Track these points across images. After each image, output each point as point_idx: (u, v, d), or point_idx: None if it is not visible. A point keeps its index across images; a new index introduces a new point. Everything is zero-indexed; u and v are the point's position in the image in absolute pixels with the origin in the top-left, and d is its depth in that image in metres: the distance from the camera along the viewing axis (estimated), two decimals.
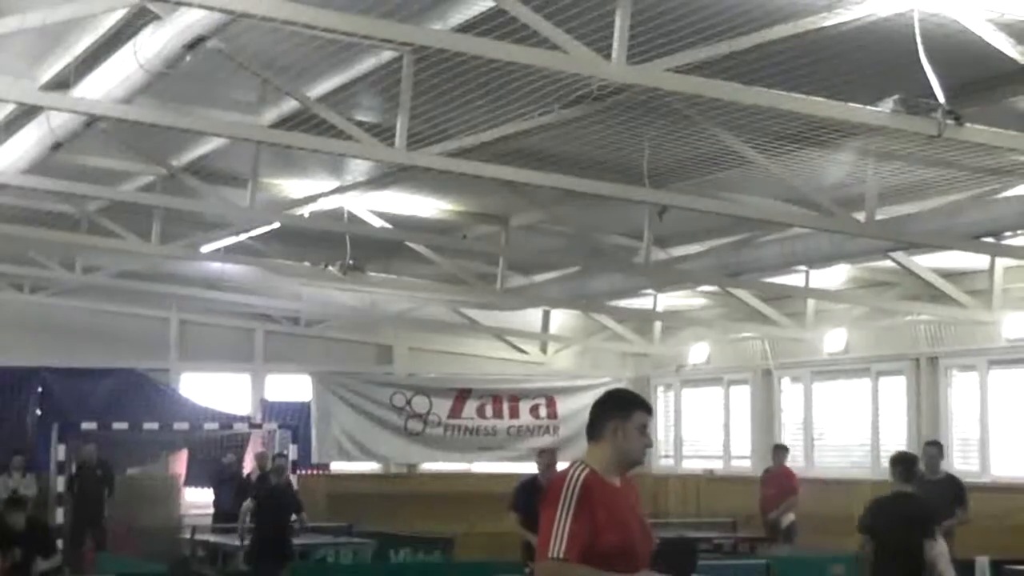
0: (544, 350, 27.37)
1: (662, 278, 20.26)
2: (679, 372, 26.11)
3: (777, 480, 20.92)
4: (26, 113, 13.76)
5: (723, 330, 24.33)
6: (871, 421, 21.84)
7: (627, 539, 6.33)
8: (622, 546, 6.30)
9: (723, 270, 18.80)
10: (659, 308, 23.97)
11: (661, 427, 26.46)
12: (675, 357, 26.20)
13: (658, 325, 25.94)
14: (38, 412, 23.71)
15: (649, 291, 22.33)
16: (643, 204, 15.81)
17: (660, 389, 26.74)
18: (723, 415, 25.14)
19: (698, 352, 25.56)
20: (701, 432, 25.97)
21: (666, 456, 26.29)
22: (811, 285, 20.37)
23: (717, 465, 25.06)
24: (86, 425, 22.58)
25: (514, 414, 26.16)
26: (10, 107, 14.02)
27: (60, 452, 22.28)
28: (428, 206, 18.60)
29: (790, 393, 23.75)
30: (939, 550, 12.33)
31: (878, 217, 14.69)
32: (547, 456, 16.24)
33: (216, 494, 22.87)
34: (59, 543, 21.10)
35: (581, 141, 14.33)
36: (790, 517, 20.59)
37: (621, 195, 14.50)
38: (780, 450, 21.34)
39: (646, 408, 6.61)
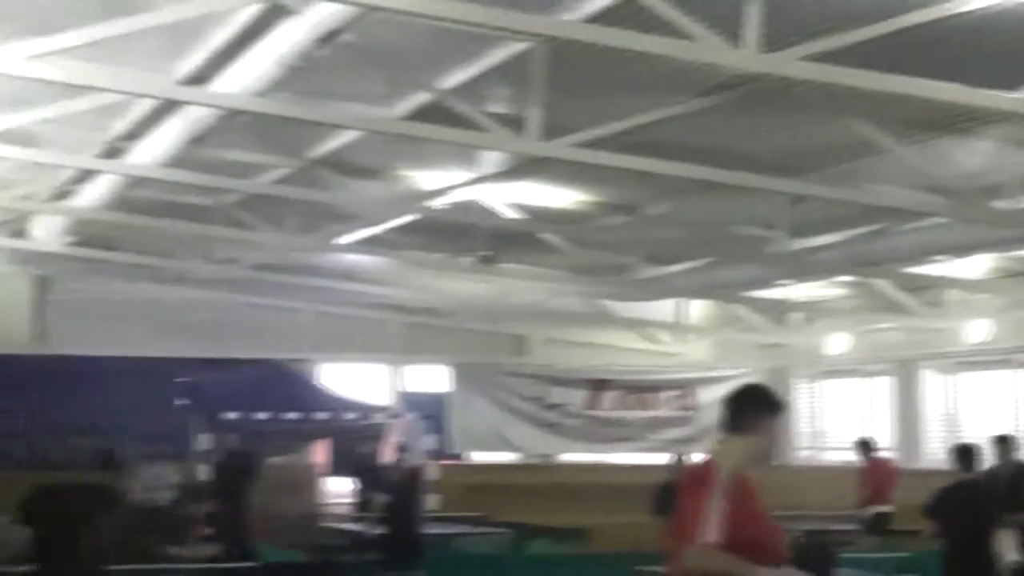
0: (679, 341, 27.22)
1: (797, 268, 20.04)
2: (817, 363, 25.83)
3: (869, 474, 20.58)
4: (165, 108, 13.99)
5: (861, 320, 24.02)
6: (1014, 412, 21.42)
7: (768, 534, 6.40)
8: (764, 540, 6.35)
9: (859, 260, 18.55)
10: (795, 298, 23.73)
11: (799, 418, 26.24)
12: (812, 348, 25.92)
13: (795, 315, 25.68)
14: (181, 402, 24.08)
15: (785, 281, 22.12)
16: (777, 194, 15.65)
17: (797, 380, 26.47)
18: (862, 406, 24.82)
19: (836, 343, 25.26)
20: (839, 424, 25.66)
21: (804, 448, 26.03)
22: (952, 274, 20.02)
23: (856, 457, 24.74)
24: (227, 415, 22.93)
25: (650, 405, 26.09)
26: (149, 102, 14.28)
27: (203, 442, 22.63)
28: (561, 197, 18.58)
29: (932, 384, 23.38)
30: (1007, 540, 12.17)
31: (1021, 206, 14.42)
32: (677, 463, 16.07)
33: (354, 484, 23.07)
34: None
35: (714, 131, 14.21)
36: (881, 508, 20.21)
37: (755, 185, 14.38)
38: (864, 446, 20.99)
39: (785, 408, 6.84)
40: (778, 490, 23.12)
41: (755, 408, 6.60)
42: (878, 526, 20.07)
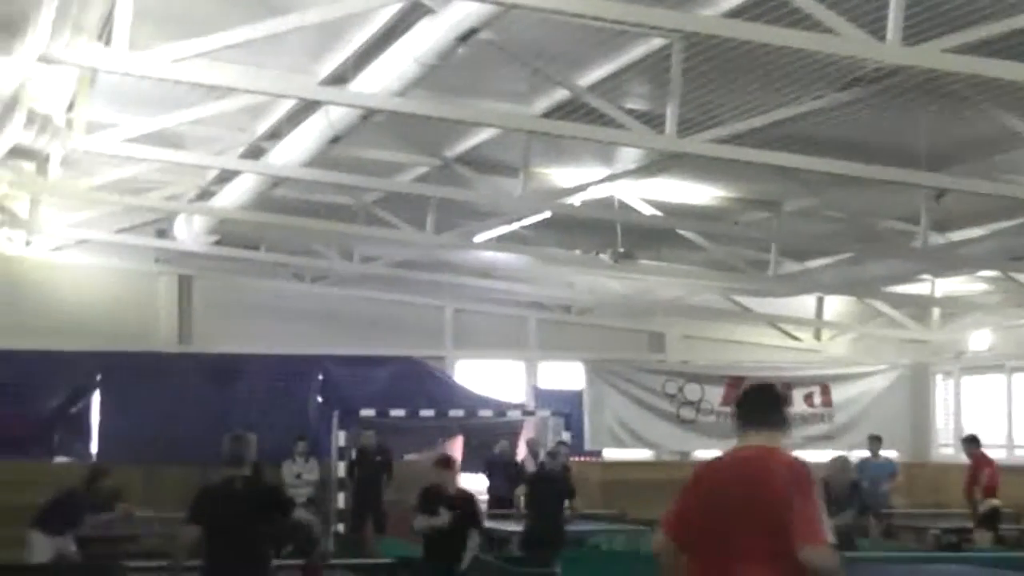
0: (818, 337, 26.94)
1: (941, 263, 19.71)
2: (959, 359, 25.41)
3: (979, 469, 20.17)
4: (306, 108, 14.16)
5: (1006, 316, 23.58)
6: None
7: None
8: None
9: (1005, 254, 18.19)
10: (938, 294, 23.36)
11: (940, 415, 25.84)
12: (954, 344, 25.50)
13: (936, 311, 25.29)
14: (319, 399, 24.32)
15: (927, 276, 21.78)
16: (920, 188, 15.42)
17: (939, 377, 26.07)
18: (1006, 403, 24.36)
19: (979, 339, 24.82)
20: (982, 421, 25.20)
21: (946, 445, 25.63)
22: None
23: (1000, 455, 24.30)
24: (365, 412, 23.10)
25: (788, 402, 25.82)
26: (291, 102, 14.46)
27: (341, 438, 22.82)
28: (699, 192, 18.49)
29: None
30: None
31: None
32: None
33: (489, 480, 23.14)
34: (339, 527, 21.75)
35: (855, 124, 14.05)
36: (990, 503, 19.79)
37: (897, 179, 14.17)
38: (971, 441, 20.59)
39: None
40: (920, 488, 22.87)
41: (782, 405, 6.69)
42: (991, 521, 19.71)
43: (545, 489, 18.13)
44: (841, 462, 15.24)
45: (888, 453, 23.32)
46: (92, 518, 16.48)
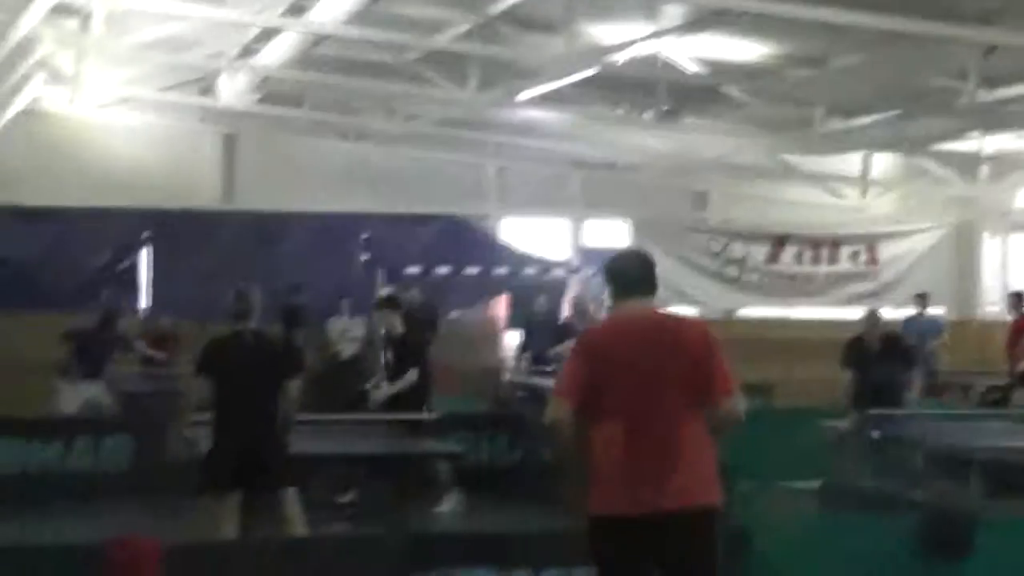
0: (864, 195, 26.78)
1: (989, 120, 19.52)
2: (1007, 217, 25.25)
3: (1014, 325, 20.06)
4: None
5: None
6: None
7: None
8: None
9: None
10: (985, 151, 23.14)
11: (987, 273, 25.75)
12: (1002, 202, 25.33)
13: (984, 169, 25.08)
14: (364, 257, 24.44)
15: (974, 133, 21.57)
16: (968, 44, 15.21)
17: (986, 235, 25.94)
18: None
19: None
20: None
21: (992, 303, 25.57)
22: None
23: None
24: (410, 270, 23.24)
25: (833, 260, 25.80)
26: None
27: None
28: (744, 50, 18.29)
29: None
30: None
31: None
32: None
33: (528, 338, 23.17)
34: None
35: None
36: None
37: (945, 35, 13.99)
38: (1017, 298, 20.42)
39: None
40: (965, 346, 22.87)
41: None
42: None
43: None
44: (873, 317, 15.12)
45: (935, 311, 23.31)
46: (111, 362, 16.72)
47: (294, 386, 9.66)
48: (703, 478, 6.43)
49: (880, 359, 14.42)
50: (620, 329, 6.58)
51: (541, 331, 22.97)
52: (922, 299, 22.50)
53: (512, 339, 24.09)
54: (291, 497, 9.58)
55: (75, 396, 16.22)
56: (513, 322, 24.34)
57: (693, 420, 6.40)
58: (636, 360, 6.40)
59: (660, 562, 6.35)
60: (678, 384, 6.38)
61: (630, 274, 6.67)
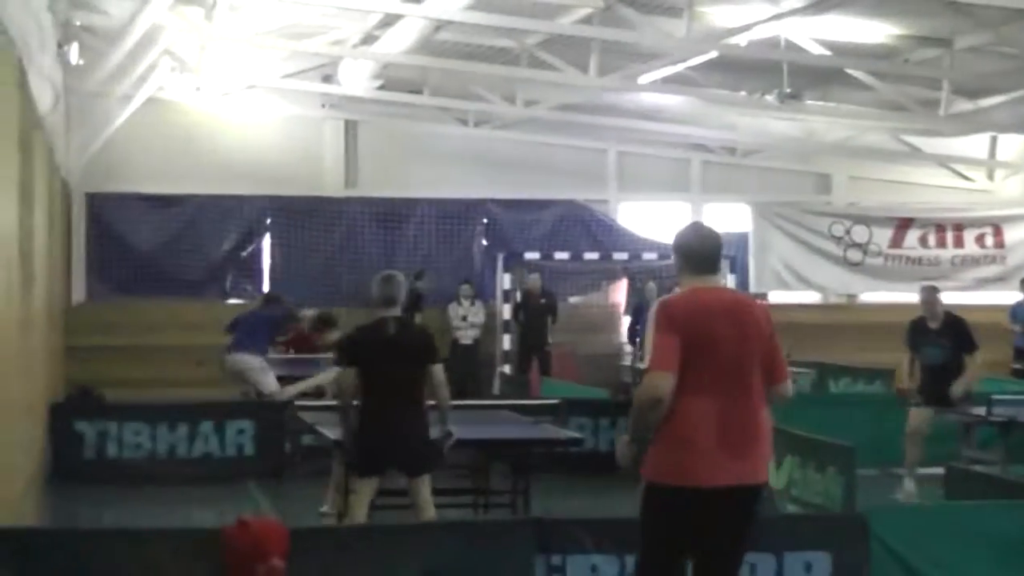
0: (991, 177, 26.36)
1: None
2: None
3: None
4: None
5: None
6: None
7: None
8: None
9: None
10: None
11: None
12: None
13: None
14: (484, 242, 24.53)
15: None
16: None
17: None
18: None
19: None
20: None
21: None
22: None
23: None
24: (529, 255, 23.29)
25: (959, 243, 25.39)
26: None
27: (506, 281, 23.05)
28: (868, 30, 18.06)
29: None
30: None
31: None
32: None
33: (634, 323, 23.05)
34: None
35: None
36: None
37: None
38: None
39: None
40: None
41: None
42: None
43: None
44: (927, 294, 14.67)
45: None
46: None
47: (438, 370, 9.75)
48: (767, 455, 6.74)
49: (938, 338, 13.80)
50: (707, 307, 6.63)
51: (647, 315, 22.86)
52: None
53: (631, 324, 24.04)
54: (427, 483, 9.67)
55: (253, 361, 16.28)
56: (631, 307, 24.28)
57: (761, 399, 6.65)
58: (726, 338, 6.55)
59: (713, 532, 6.56)
60: (758, 363, 6.61)
61: (707, 252, 6.81)
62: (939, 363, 13.78)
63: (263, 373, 16.01)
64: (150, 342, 21.86)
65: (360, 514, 9.60)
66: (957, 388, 13.60)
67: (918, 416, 13.73)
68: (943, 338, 13.84)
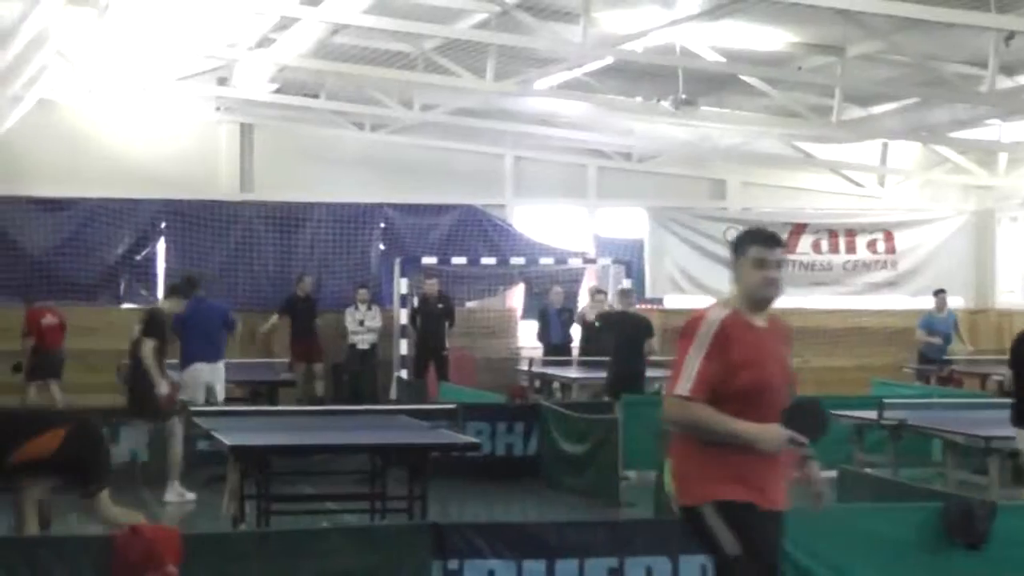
0: (882, 183, 26.73)
1: (1008, 107, 19.40)
2: None
3: None
4: None
5: None
6: None
7: (760, 380, 6.24)
8: (754, 386, 6.22)
9: None
10: (1004, 139, 23.05)
11: (1004, 261, 25.66)
12: (1020, 190, 25.24)
13: (1003, 157, 25.00)
14: (381, 247, 24.47)
15: (993, 121, 21.48)
16: (988, 30, 15.14)
17: (1004, 222, 25.86)
18: None
19: None
20: None
21: (1010, 292, 25.50)
22: None
23: None
24: (427, 259, 23.28)
25: (851, 249, 25.75)
26: None
27: (403, 285, 23.03)
28: (762, 38, 18.24)
29: None
30: None
31: None
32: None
33: (542, 327, 23.16)
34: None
35: None
36: None
37: (965, 21, 13.93)
38: None
39: (762, 241, 6.45)
40: (983, 334, 22.84)
41: (732, 251, 6.50)
42: None
43: (627, 331, 17.68)
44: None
45: (952, 300, 23.36)
46: None
47: None
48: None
49: None
50: (748, 322, 6.37)
51: (553, 320, 22.98)
52: (941, 295, 22.65)
53: (528, 329, 24.12)
54: None
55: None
56: (529, 312, 24.35)
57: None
58: (768, 357, 6.34)
59: None
60: (786, 383, 6.42)
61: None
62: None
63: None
64: None
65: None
66: None
67: None
68: None
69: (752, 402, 6.21)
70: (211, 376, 16.55)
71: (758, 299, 6.37)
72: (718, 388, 6.19)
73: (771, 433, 6.18)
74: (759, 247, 6.40)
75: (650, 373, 19.22)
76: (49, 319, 20.46)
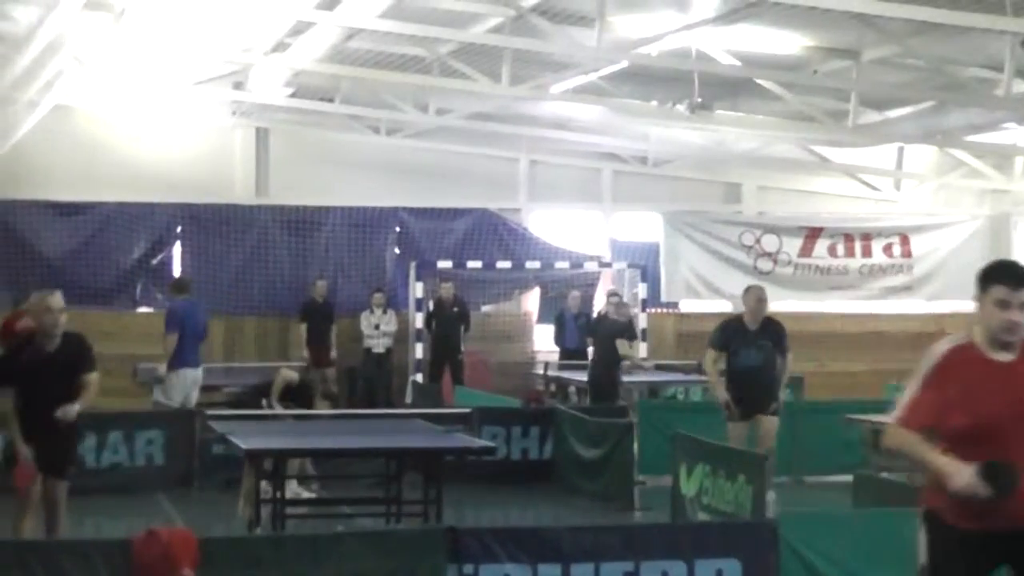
0: (897, 188, 26.69)
1: None
2: None
3: None
4: None
5: None
6: None
7: (981, 421, 5.97)
8: (973, 428, 5.98)
9: None
10: (1021, 143, 23.00)
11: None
12: None
13: (1019, 161, 24.95)
14: (396, 251, 24.47)
15: (1010, 125, 21.43)
16: (1004, 34, 15.11)
17: (1021, 226, 25.79)
18: None
19: None
20: None
21: None
22: None
23: None
24: (442, 264, 23.28)
25: (867, 253, 25.68)
26: None
27: (418, 290, 23.03)
28: (777, 42, 18.23)
29: None
30: None
31: None
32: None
33: (558, 331, 23.16)
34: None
35: None
36: None
37: (981, 25, 13.89)
38: None
39: (1007, 281, 6.02)
40: None
41: (977, 285, 6.13)
42: None
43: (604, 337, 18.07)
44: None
45: (967, 304, 23.22)
46: None
47: None
48: None
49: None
50: (976, 358, 6.12)
51: (569, 325, 22.98)
52: None
53: (543, 333, 24.11)
54: None
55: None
56: (544, 316, 24.34)
57: None
58: (1001, 392, 6.05)
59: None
60: None
61: None
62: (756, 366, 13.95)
63: None
64: None
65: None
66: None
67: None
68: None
69: (969, 439, 5.98)
70: (195, 382, 16.76)
71: (997, 340, 6.07)
72: (935, 422, 6.04)
73: (960, 475, 5.89)
74: (1003, 287, 6.03)
75: (665, 378, 19.28)
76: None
